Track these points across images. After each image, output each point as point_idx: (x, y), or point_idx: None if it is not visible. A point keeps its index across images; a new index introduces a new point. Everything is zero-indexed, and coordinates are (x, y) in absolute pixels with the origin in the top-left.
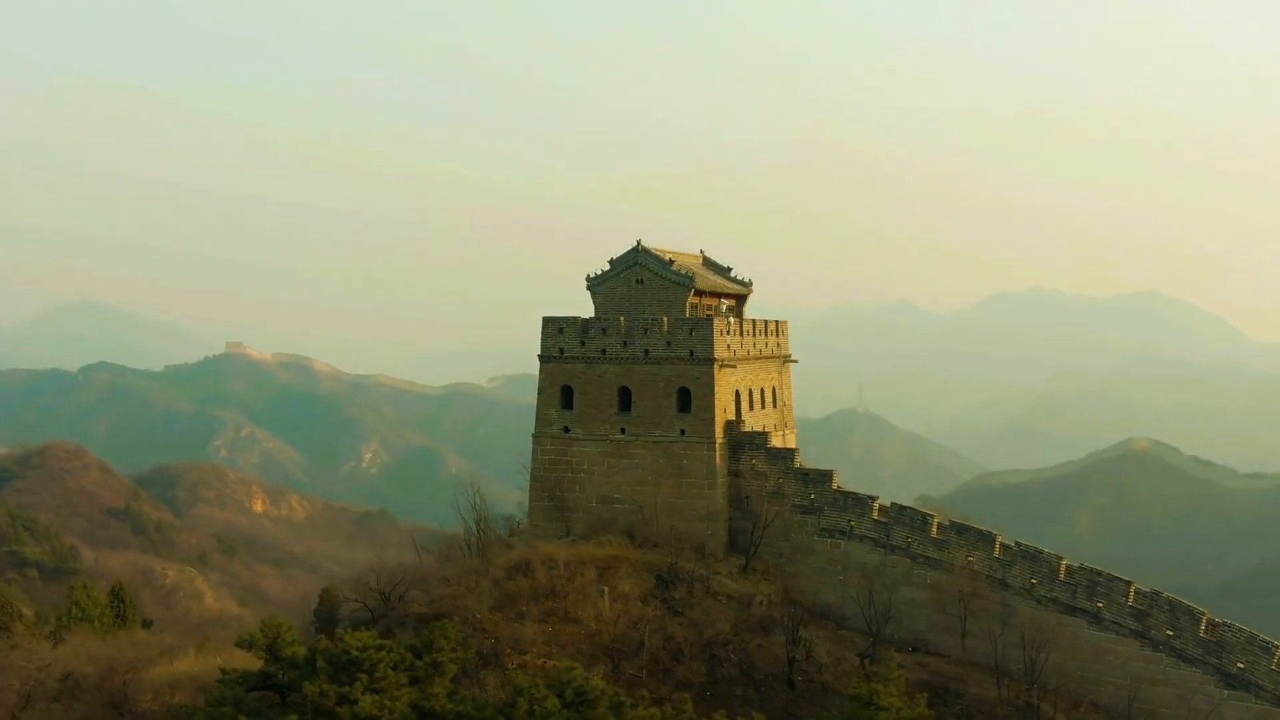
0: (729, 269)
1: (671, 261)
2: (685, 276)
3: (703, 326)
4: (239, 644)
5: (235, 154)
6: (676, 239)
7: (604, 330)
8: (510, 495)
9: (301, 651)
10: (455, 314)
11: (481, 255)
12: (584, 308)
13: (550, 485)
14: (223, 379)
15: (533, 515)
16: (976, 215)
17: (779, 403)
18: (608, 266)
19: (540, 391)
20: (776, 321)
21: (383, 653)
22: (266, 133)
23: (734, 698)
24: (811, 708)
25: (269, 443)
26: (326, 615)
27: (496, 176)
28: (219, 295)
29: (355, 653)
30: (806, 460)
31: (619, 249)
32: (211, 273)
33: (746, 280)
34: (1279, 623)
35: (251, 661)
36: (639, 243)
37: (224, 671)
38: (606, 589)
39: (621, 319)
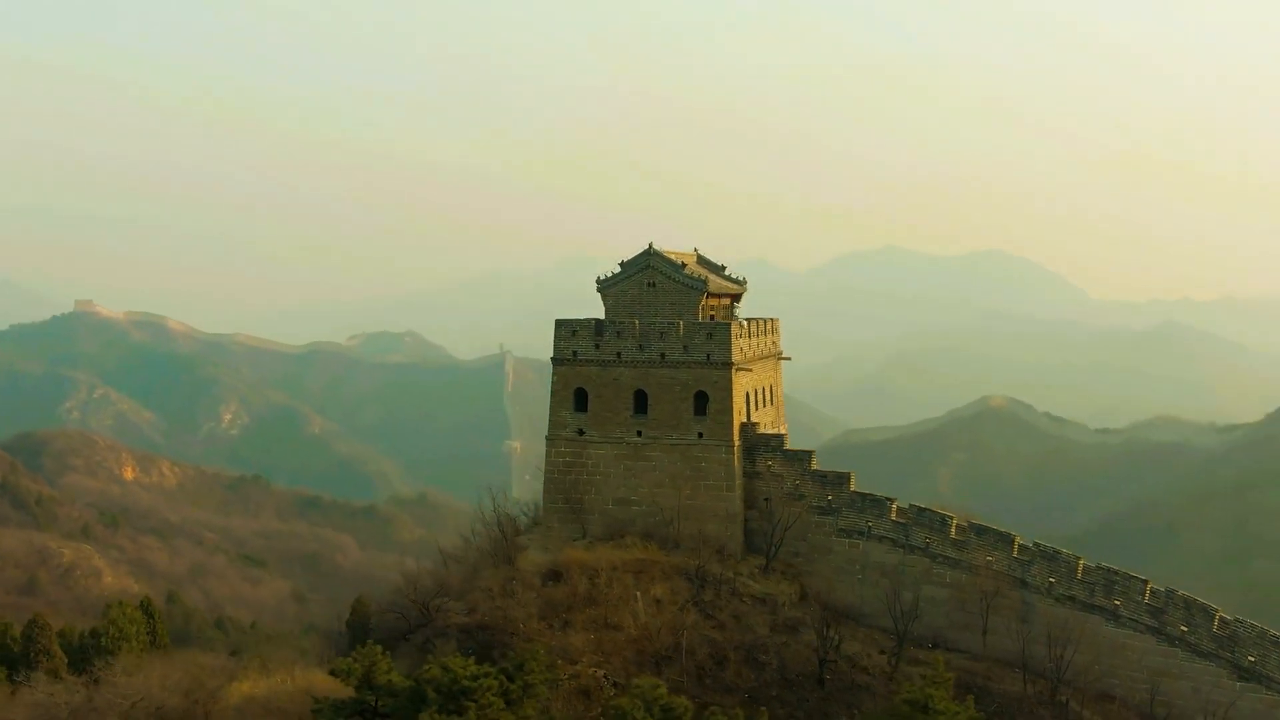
0: (723, 267)
1: (684, 265)
2: (699, 280)
3: (721, 332)
4: (333, 672)
5: (90, 109)
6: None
7: (619, 334)
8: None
9: (402, 680)
10: (315, 272)
11: (342, 214)
12: (438, 276)
13: (565, 488)
14: (72, 339)
15: (547, 517)
16: (829, 174)
17: (774, 399)
18: (618, 269)
19: (553, 394)
20: (771, 320)
21: (488, 680)
22: (122, 88)
23: (772, 699)
24: (840, 706)
25: (123, 404)
26: (359, 626)
27: (356, 136)
28: (66, 251)
29: (467, 682)
30: None
31: (480, 209)
32: (58, 229)
33: (741, 279)
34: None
35: (335, 687)
36: (650, 245)
37: (316, 700)
38: (639, 594)
39: (636, 322)
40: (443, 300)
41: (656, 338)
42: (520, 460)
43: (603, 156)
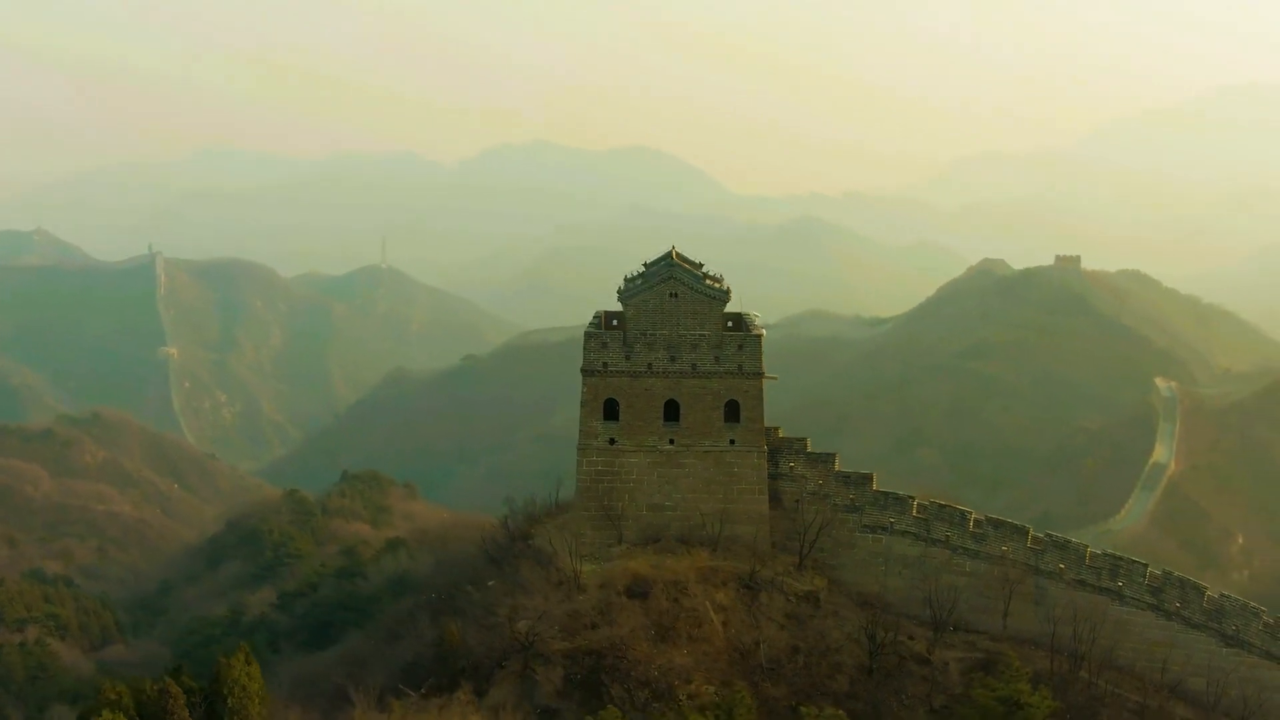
0: (699, 264)
1: (705, 275)
2: (720, 291)
3: (751, 343)
4: None
5: None
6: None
7: (650, 345)
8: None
9: None
10: None
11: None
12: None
13: (599, 496)
14: None
15: (580, 525)
16: (475, 66)
17: None
18: (641, 268)
19: (583, 404)
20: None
21: None
22: None
23: (844, 695)
24: (888, 692)
25: None
26: (450, 653)
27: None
28: None
29: None
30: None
31: (100, 97)
32: None
33: (721, 278)
34: None
35: None
36: (674, 251)
37: None
38: (709, 603)
39: (664, 334)
40: (67, 194)
41: (688, 349)
42: (179, 367)
43: (232, 49)
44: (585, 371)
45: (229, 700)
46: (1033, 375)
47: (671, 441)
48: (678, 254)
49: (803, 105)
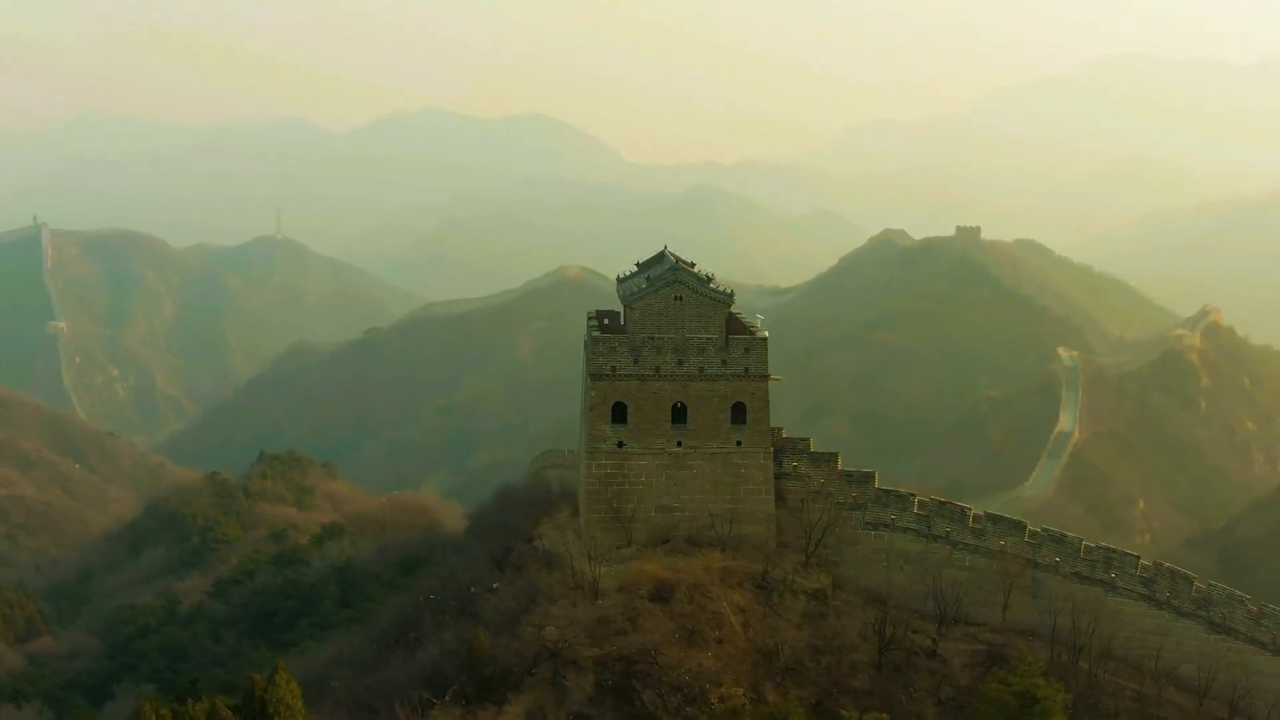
0: (693, 264)
1: (709, 279)
2: (725, 295)
3: (757, 347)
4: None
5: None
6: None
7: (658, 349)
8: None
9: None
10: None
11: None
12: None
13: (608, 498)
14: None
15: (589, 528)
16: (363, 32)
17: None
18: (634, 267)
19: (591, 409)
20: None
21: None
22: None
23: (862, 692)
24: (897, 686)
25: None
26: (479, 661)
27: None
28: None
29: None
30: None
31: None
32: None
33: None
34: None
35: None
36: (676, 259)
37: None
38: (726, 604)
39: (672, 338)
40: None
41: (696, 352)
42: (69, 342)
43: (105, 13)
44: (594, 376)
45: None
46: (937, 345)
47: (679, 444)
48: (677, 257)
49: (696, 74)
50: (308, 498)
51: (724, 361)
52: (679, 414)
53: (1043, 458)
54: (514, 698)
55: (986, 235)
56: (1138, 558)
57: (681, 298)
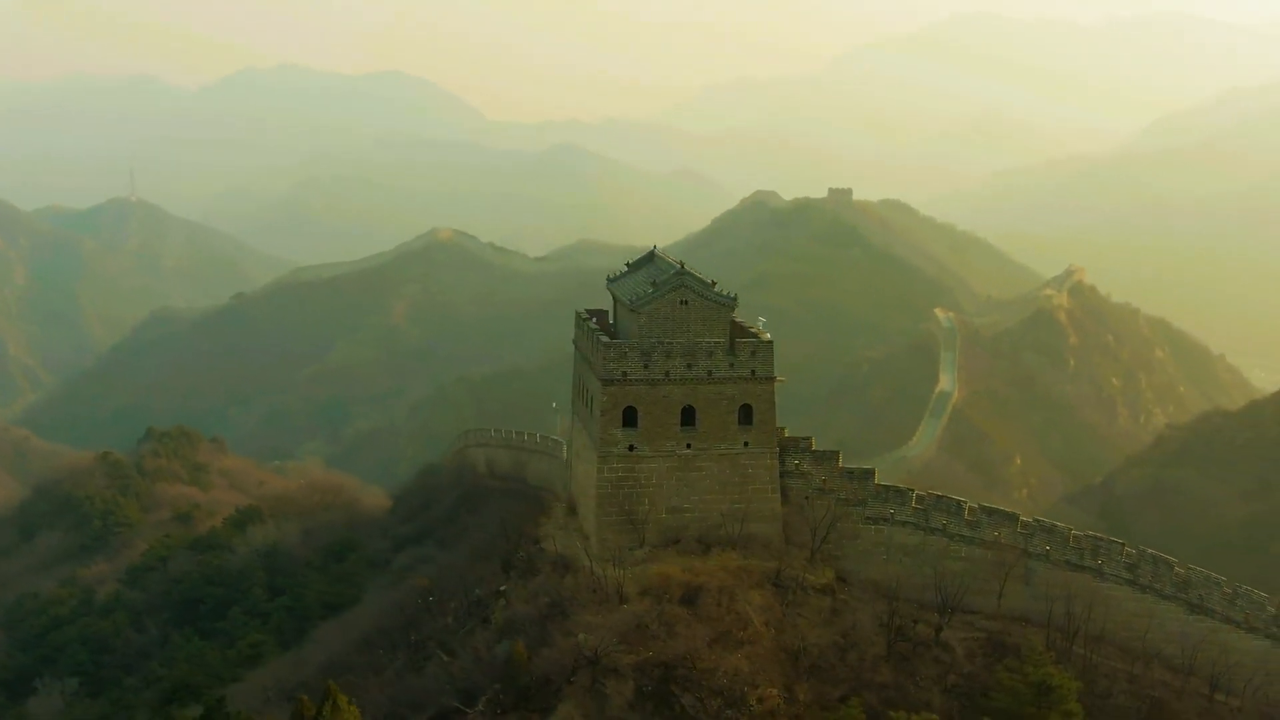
0: (681, 263)
1: (713, 283)
2: (728, 298)
3: (764, 349)
4: None
5: None
6: None
7: (668, 354)
8: None
9: None
10: None
11: None
12: None
13: (620, 501)
14: None
15: (602, 530)
16: None
17: None
18: (624, 267)
19: (603, 414)
20: None
21: None
22: None
23: (882, 685)
24: (904, 675)
25: None
26: (514, 675)
27: None
28: None
29: None
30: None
31: None
32: None
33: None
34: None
35: None
36: (683, 265)
37: None
38: (746, 604)
39: (680, 342)
40: None
41: (704, 356)
42: None
43: None
44: (605, 381)
45: None
46: (813, 307)
47: (688, 446)
48: (669, 258)
49: (554, 31)
50: (204, 476)
51: (731, 364)
52: (688, 416)
53: (925, 417)
54: (555, 706)
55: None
56: (1122, 544)
57: (687, 301)
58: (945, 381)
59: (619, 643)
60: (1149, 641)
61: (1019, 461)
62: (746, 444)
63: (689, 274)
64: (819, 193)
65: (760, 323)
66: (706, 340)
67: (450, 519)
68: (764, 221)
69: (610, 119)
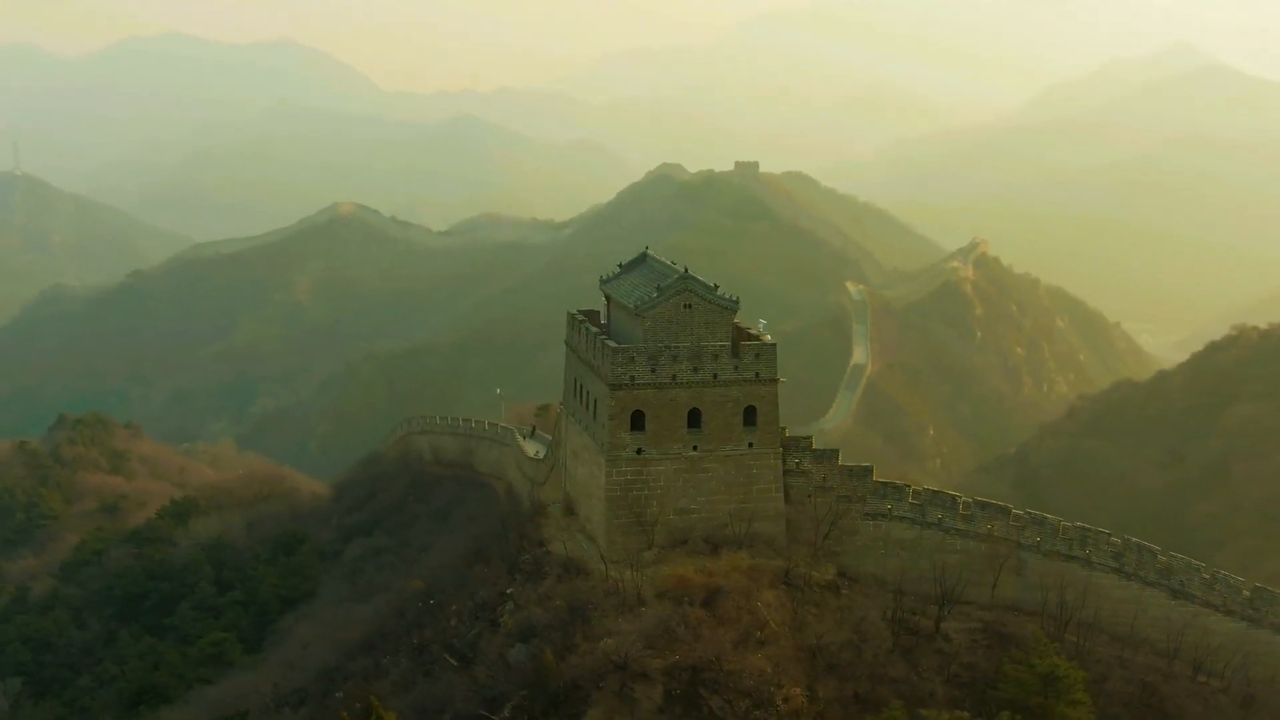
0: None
1: (716, 286)
2: (731, 301)
3: (767, 352)
4: None
5: None
6: None
7: (674, 358)
8: None
9: None
10: None
11: None
12: None
13: (629, 504)
14: None
15: (611, 533)
16: None
17: None
18: (617, 269)
19: (611, 418)
20: None
21: None
22: None
23: (901, 680)
24: (906, 667)
25: None
26: (543, 682)
27: None
28: None
29: None
30: None
31: None
32: None
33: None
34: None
35: None
36: (686, 270)
37: None
38: (761, 604)
39: (686, 345)
40: None
41: (710, 359)
42: None
43: None
44: (613, 385)
45: None
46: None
47: (695, 448)
48: (660, 259)
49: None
50: (125, 464)
51: (736, 367)
52: (694, 419)
53: (840, 390)
54: (585, 712)
55: (733, 163)
56: (1108, 534)
57: (691, 305)
58: (859, 354)
59: (648, 647)
60: (1135, 627)
61: (932, 432)
62: (751, 445)
63: (693, 278)
64: (721, 165)
65: (760, 324)
66: (711, 343)
67: (398, 508)
68: (670, 195)
69: (505, 89)
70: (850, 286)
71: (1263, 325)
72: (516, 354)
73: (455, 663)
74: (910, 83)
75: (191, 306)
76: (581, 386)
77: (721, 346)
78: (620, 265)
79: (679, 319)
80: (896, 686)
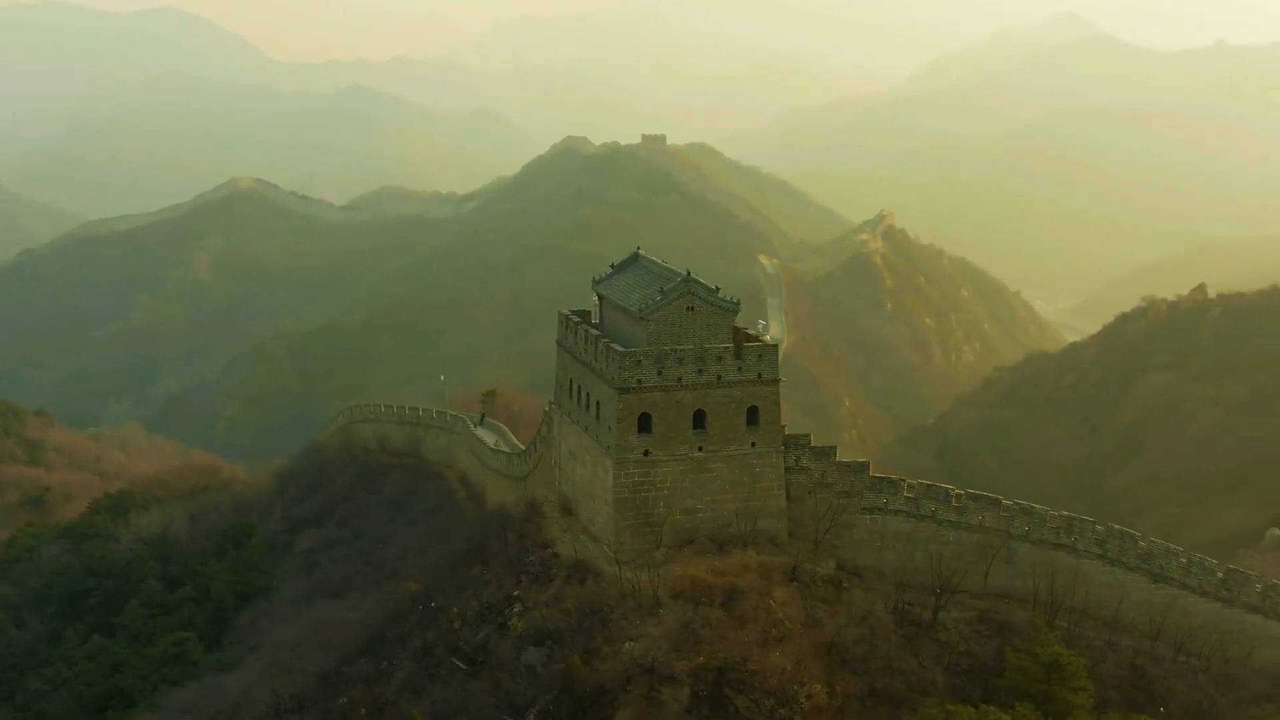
0: (663, 261)
1: (717, 288)
2: (732, 303)
3: (769, 353)
4: None
5: None
6: None
7: (680, 361)
8: None
9: None
10: None
11: None
12: None
13: (637, 505)
14: None
15: (620, 535)
16: None
17: None
18: (609, 269)
19: (619, 421)
20: None
21: None
22: None
23: (912, 673)
24: (905, 655)
25: None
26: (570, 688)
27: None
28: None
29: None
30: None
31: None
32: None
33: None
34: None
35: None
36: (688, 273)
37: None
38: (774, 602)
39: (690, 348)
40: None
41: (714, 361)
42: None
43: None
44: (620, 389)
45: None
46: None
47: (700, 449)
48: (651, 258)
49: None
50: (41, 454)
51: (739, 369)
52: (699, 420)
53: None
54: (612, 716)
55: (635, 135)
56: (1092, 522)
57: (693, 308)
58: (775, 328)
59: (671, 649)
60: (1120, 611)
61: (848, 404)
62: (753, 444)
63: (695, 280)
64: (625, 137)
65: (760, 325)
66: (714, 345)
67: (347, 498)
68: (576, 168)
69: (398, 58)
70: (764, 260)
71: (1170, 296)
72: (425, 331)
73: (464, 667)
74: (805, 53)
75: (86, 285)
76: (579, 387)
77: (724, 348)
78: (612, 265)
79: (682, 321)
80: (908, 679)
